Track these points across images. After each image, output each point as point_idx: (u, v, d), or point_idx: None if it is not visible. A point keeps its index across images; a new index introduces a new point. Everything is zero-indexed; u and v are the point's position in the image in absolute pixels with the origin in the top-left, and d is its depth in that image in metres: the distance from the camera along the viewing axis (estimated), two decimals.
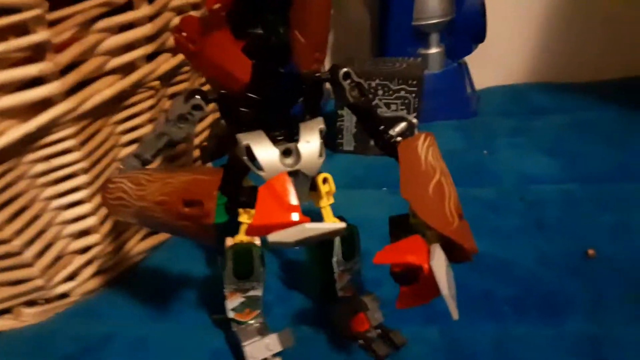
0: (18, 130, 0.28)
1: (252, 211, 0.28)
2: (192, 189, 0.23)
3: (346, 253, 0.32)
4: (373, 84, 0.55)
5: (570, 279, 0.36)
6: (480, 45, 0.68)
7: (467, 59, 0.69)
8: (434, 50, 0.66)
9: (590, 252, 0.38)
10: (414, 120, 0.32)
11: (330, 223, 0.27)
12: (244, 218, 0.31)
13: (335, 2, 0.76)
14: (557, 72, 0.75)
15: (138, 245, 0.40)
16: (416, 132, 0.32)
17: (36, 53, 0.27)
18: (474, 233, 0.41)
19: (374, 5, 0.70)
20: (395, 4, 0.63)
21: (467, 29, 0.66)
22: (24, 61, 0.27)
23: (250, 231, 0.24)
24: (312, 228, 0.24)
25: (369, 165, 0.52)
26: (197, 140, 0.42)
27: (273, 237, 0.23)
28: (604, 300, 0.34)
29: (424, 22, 0.64)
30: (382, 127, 0.31)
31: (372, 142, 0.32)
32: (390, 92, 0.55)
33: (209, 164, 0.38)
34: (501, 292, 0.35)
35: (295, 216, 0.23)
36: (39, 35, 0.26)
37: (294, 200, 0.24)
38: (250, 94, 0.29)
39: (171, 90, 0.38)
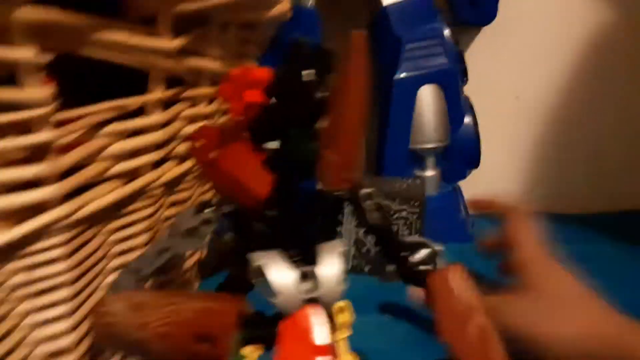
0: (4, 236, 0.24)
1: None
2: (206, 320, 0.20)
3: None
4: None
5: None
6: (474, 172, 0.70)
7: (461, 184, 0.70)
8: (430, 173, 0.66)
9: None
10: (438, 248, 0.30)
11: None
12: (247, 350, 0.27)
13: None
14: (546, 203, 0.76)
15: None
16: (439, 260, 0.30)
17: (36, 153, 0.24)
18: None
19: (373, 125, 0.71)
20: (393, 128, 0.65)
21: (462, 154, 0.67)
22: (21, 160, 0.24)
23: None
24: None
25: (363, 288, 0.49)
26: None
27: None
28: None
29: (420, 146, 0.65)
30: (403, 252, 0.29)
31: (389, 267, 0.30)
32: (392, 213, 0.54)
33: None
34: None
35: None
36: (43, 136, 0.23)
37: (321, 339, 0.21)
38: (267, 211, 0.26)
39: (171, 199, 0.36)
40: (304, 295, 0.25)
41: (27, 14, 0.20)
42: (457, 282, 0.25)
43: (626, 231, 0.65)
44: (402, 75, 0.63)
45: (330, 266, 0.26)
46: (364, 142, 0.26)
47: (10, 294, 0.27)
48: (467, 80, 0.68)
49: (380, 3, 0.65)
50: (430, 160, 0.66)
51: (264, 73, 0.24)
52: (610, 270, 0.54)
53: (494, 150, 0.74)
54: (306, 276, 0.26)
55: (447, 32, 0.64)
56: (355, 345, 0.39)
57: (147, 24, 0.27)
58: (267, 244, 0.26)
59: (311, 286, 0.25)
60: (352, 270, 0.54)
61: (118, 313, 0.22)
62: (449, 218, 0.66)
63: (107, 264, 0.32)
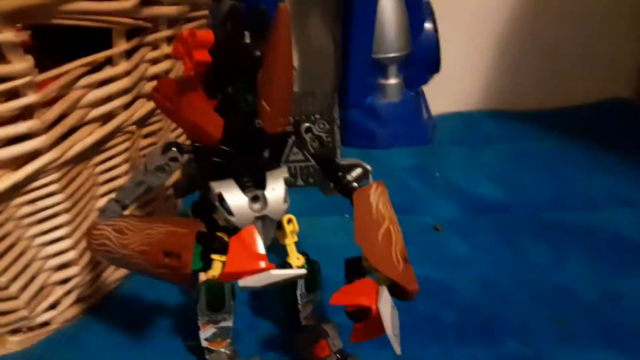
0: (8, 180, 0.30)
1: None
2: (171, 240, 0.27)
3: (309, 287, 0.36)
4: None
5: (504, 305, 0.40)
6: (436, 75, 0.74)
7: (424, 87, 0.74)
8: (392, 81, 0.70)
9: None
10: (369, 167, 0.36)
11: (294, 270, 0.30)
12: (216, 256, 0.34)
13: (304, 32, 0.80)
14: (505, 101, 0.82)
15: (113, 274, 0.42)
16: (370, 177, 0.36)
17: (26, 112, 0.29)
18: (424, 259, 0.45)
19: (337, 37, 0.74)
20: (355, 38, 0.68)
21: (423, 61, 0.71)
22: (13, 118, 0.29)
23: (223, 277, 0.27)
24: (278, 274, 0.27)
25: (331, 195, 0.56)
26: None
27: (243, 282, 0.27)
28: (532, 324, 0.38)
29: (382, 55, 0.68)
30: (339, 173, 0.35)
31: (330, 185, 0.36)
32: None
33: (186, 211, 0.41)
34: (447, 317, 0.39)
35: (262, 264, 0.27)
36: (29, 98, 0.28)
37: (261, 249, 0.27)
38: (222, 147, 0.32)
39: (145, 130, 0.41)
40: (256, 214, 0.32)
41: (6, 3, 0.24)
42: (375, 196, 0.31)
43: (568, 127, 0.71)
44: None
45: (276, 189, 0.32)
46: (293, 92, 0.30)
47: (20, 221, 0.33)
48: None
49: None
50: (393, 69, 0.70)
51: (208, 35, 0.28)
52: (546, 165, 0.62)
53: (454, 53, 0.78)
54: (257, 198, 0.32)
55: None
56: (318, 241, 0.47)
57: None
58: (223, 174, 0.32)
59: (261, 206, 0.32)
60: (315, 184, 0.60)
61: (106, 236, 0.29)
62: (411, 122, 0.72)
63: (95, 192, 0.38)
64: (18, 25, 0.26)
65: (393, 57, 0.69)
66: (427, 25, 0.70)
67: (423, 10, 0.69)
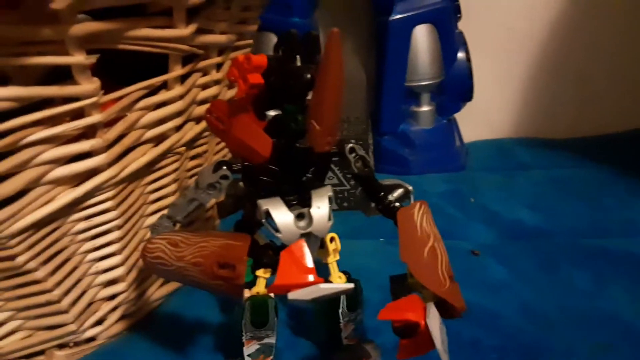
0: (68, 196, 0.32)
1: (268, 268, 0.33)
2: (225, 253, 0.28)
3: (350, 305, 0.36)
4: None
5: (547, 330, 0.40)
6: (469, 103, 0.75)
7: (457, 115, 0.75)
8: (425, 108, 0.72)
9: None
10: (410, 187, 0.37)
11: (342, 284, 0.31)
12: (260, 272, 0.35)
13: None
14: (537, 129, 0.82)
15: (157, 291, 0.43)
16: (412, 197, 0.37)
17: (89, 131, 0.31)
18: (463, 284, 0.45)
19: (370, 65, 0.76)
20: (389, 66, 0.69)
21: (455, 89, 0.72)
22: (76, 136, 0.31)
23: (273, 289, 0.28)
24: (326, 288, 0.28)
25: (366, 218, 0.56)
26: None
27: (292, 295, 0.28)
28: (576, 350, 0.38)
29: (415, 83, 0.70)
30: (382, 193, 0.36)
31: (372, 205, 0.37)
32: None
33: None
34: (488, 341, 0.39)
35: (311, 277, 0.28)
36: (94, 118, 0.30)
37: (310, 263, 0.28)
38: (270, 166, 0.33)
39: (193, 152, 0.43)
40: (301, 231, 0.33)
41: (77, 30, 0.26)
42: (419, 215, 0.32)
43: (604, 154, 0.71)
44: (397, 16, 0.67)
45: (321, 207, 0.33)
46: (341, 114, 0.31)
47: (75, 237, 0.35)
48: (460, 16, 0.71)
49: None
50: (426, 96, 0.71)
51: (262, 59, 0.30)
52: (583, 192, 0.61)
53: (487, 82, 0.79)
54: (302, 216, 0.33)
55: None
56: (355, 264, 0.47)
57: (165, 15, 0.33)
58: (270, 192, 0.33)
59: (306, 223, 0.33)
60: (348, 208, 0.61)
61: (162, 249, 0.30)
62: (444, 149, 0.72)
63: (145, 210, 0.39)
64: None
65: (426, 85, 0.70)
66: (460, 55, 0.71)
67: (456, 39, 0.71)
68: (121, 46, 0.30)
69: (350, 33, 0.81)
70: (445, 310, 0.29)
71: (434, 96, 0.72)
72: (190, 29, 0.34)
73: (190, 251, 0.29)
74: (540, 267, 0.47)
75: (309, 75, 0.30)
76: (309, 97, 0.31)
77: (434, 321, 0.26)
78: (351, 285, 0.29)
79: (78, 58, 0.27)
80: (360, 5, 0.77)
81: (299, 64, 0.31)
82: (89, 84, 0.29)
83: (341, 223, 0.54)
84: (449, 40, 0.70)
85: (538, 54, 0.80)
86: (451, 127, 0.74)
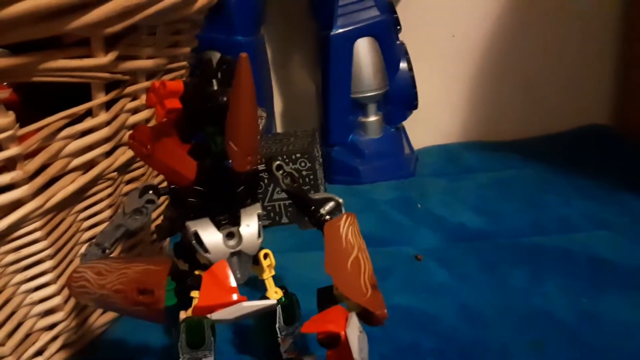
0: None
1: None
2: (145, 279, 0.28)
3: (287, 319, 0.37)
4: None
5: (484, 329, 0.41)
6: (417, 110, 0.76)
7: (405, 122, 0.77)
8: (372, 118, 0.73)
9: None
10: (340, 200, 0.38)
11: (264, 301, 0.31)
12: (195, 293, 0.35)
13: (285, 76, 0.83)
14: (484, 132, 0.84)
15: (99, 318, 0.43)
16: (343, 210, 0.38)
17: (9, 164, 0.31)
18: (405, 289, 0.46)
19: (318, 78, 0.77)
20: (334, 79, 0.71)
21: (400, 98, 0.74)
22: None
23: (197, 311, 0.29)
24: (249, 306, 0.28)
25: (317, 231, 0.57)
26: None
27: (215, 315, 0.28)
28: (511, 348, 0.39)
29: (361, 95, 0.71)
30: (313, 207, 0.37)
31: (305, 219, 0.37)
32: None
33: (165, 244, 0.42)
34: (426, 344, 0.40)
35: (234, 297, 0.28)
36: (11, 151, 0.30)
37: (232, 283, 0.29)
38: (196, 188, 0.34)
39: (128, 177, 0.43)
40: (231, 250, 0.33)
41: None
42: (344, 227, 0.32)
43: (548, 155, 0.73)
44: (338, 31, 0.69)
45: (250, 225, 0.34)
46: (259, 133, 0.32)
47: (5, 269, 0.35)
48: (400, 28, 0.73)
49: None
50: (372, 107, 0.73)
51: (178, 84, 0.31)
52: (526, 193, 0.63)
53: (433, 89, 0.81)
54: (232, 235, 0.34)
55: None
56: (304, 276, 0.48)
57: (83, 45, 0.33)
58: (199, 213, 0.34)
59: (236, 242, 0.33)
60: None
61: (86, 278, 0.30)
62: (393, 157, 0.74)
63: (79, 238, 0.39)
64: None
65: (371, 95, 0.71)
66: (402, 65, 0.73)
67: (397, 50, 0.73)
68: (37, 79, 0.30)
69: (297, 47, 0.83)
70: (369, 319, 0.29)
71: (381, 106, 0.73)
72: (110, 57, 0.34)
73: (111, 278, 0.29)
74: (480, 268, 0.49)
75: (225, 98, 0.31)
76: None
77: (352, 331, 0.27)
78: (273, 302, 0.30)
79: None
80: (306, 20, 0.78)
81: (215, 87, 0.31)
82: (2, 118, 0.29)
83: (291, 236, 0.55)
84: (391, 51, 0.72)
85: (482, 59, 0.82)
86: (399, 135, 0.76)
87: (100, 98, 0.35)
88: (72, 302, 0.39)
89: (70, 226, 0.37)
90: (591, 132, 0.80)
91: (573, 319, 0.41)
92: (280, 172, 0.36)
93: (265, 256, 0.36)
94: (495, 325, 0.41)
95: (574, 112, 0.83)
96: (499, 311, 0.43)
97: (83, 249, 0.40)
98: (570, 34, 0.80)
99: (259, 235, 0.34)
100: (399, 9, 0.75)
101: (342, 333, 0.27)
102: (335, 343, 0.28)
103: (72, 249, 0.38)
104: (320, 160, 0.67)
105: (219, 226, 0.34)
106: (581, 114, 0.82)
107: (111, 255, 0.34)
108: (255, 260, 0.36)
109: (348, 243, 0.32)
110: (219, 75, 0.31)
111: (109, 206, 0.40)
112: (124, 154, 0.40)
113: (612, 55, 0.80)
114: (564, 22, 0.79)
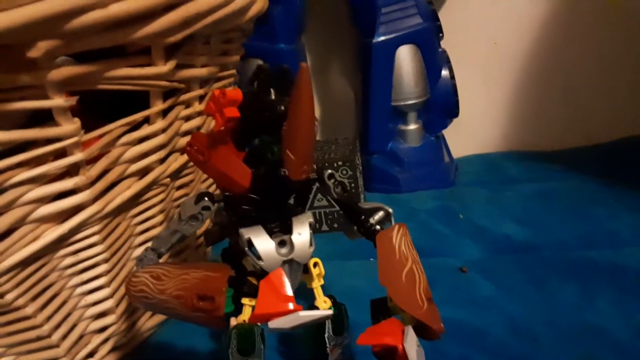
0: (53, 233, 0.32)
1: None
2: (205, 285, 0.28)
3: (336, 329, 0.37)
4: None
5: (533, 345, 0.40)
6: (457, 119, 0.76)
7: (445, 131, 0.76)
8: (412, 126, 0.72)
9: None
10: (390, 210, 0.38)
11: (321, 311, 0.31)
12: (246, 301, 0.35)
13: (325, 83, 0.84)
14: (525, 142, 0.83)
15: (148, 321, 0.44)
16: (393, 219, 0.38)
17: (72, 169, 0.32)
18: (451, 301, 0.46)
19: (357, 86, 0.77)
20: (375, 87, 0.70)
21: (441, 107, 0.73)
22: (59, 175, 0.32)
23: (253, 319, 0.29)
24: (306, 315, 0.28)
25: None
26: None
27: (272, 324, 0.28)
28: None
29: (402, 103, 0.71)
30: (362, 217, 0.37)
31: (354, 228, 0.37)
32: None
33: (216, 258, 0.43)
34: (475, 358, 0.39)
35: (290, 306, 0.28)
36: (75, 157, 0.31)
37: (289, 291, 0.29)
38: (250, 195, 0.34)
39: (179, 182, 0.44)
40: (283, 258, 0.33)
41: (55, 74, 0.27)
42: (397, 238, 0.32)
43: (591, 166, 0.72)
44: (380, 38, 0.68)
45: (302, 233, 0.34)
46: (315, 142, 0.32)
47: (63, 272, 0.36)
48: (442, 35, 0.73)
49: None
50: (412, 115, 0.72)
51: (238, 93, 0.31)
52: (570, 205, 0.62)
53: (474, 97, 0.80)
54: (284, 243, 0.34)
55: None
56: (344, 285, 0.48)
57: (144, 53, 0.34)
58: (252, 220, 0.34)
59: (288, 250, 0.34)
60: (339, 229, 0.62)
61: (145, 282, 0.30)
62: (433, 166, 0.73)
63: (133, 242, 0.40)
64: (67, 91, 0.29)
65: (412, 103, 0.71)
66: (444, 73, 0.72)
67: (439, 58, 0.72)
68: (101, 86, 0.31)
69: (337, 55, 0.83)
70: (424, 332, 0.29)
71: (421, 114, 0.73)
72: (169, 65, 0.35)
73: (171, 284, 0.29)
74: (528, 281, 0.48)
75: (282, 108, 0.31)
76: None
77: (410, 344, 0.27)
78: (330, 312, 0.30)
79: (57, 101, 0.28)
80: (346, 27, 0.78)
81: (272, 96, 0.32)
82: (69, 125, 0.30)
83: (331, 244, 0.55)
84: (433, 59, 0.71)
85: (524, 68, 0.81)
86: (439, 143, 0.75)
87: (158, 105, 0.36)
88: (123, 305, 0.40)
89: (124, 230, 0.38)
90: (633, 144, 0.78)
91: (626, 336, 0.40)
92: (332, 180, 0.36)
93: (315, 265, 0.37)
94: (544, 340, 0.41)
95: (616, 122, 0.81)
96: (548, 326, 0.42)
97: (135, 253, 0.41)
98: (612, 44, 0.78)
99: (311, 244, 0.34)
100: (441, 15, 0.75)
101: (400, 347, 0.27)
102: (392, 356, 0.28)
103: (125, 253, 0.39)
104: (361, 168, 0.67)
105: (271, 234, 0.34)
106: (624, 125, 0.80)
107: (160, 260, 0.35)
108: (305, 268, 0.36)
109: (402, 254, 0.32)
110: (277, 84, 0.32)
111: (161, 211, 0.41)
112: (177, 161, 0.41)
113: None
114: (606, 31, 0.77)
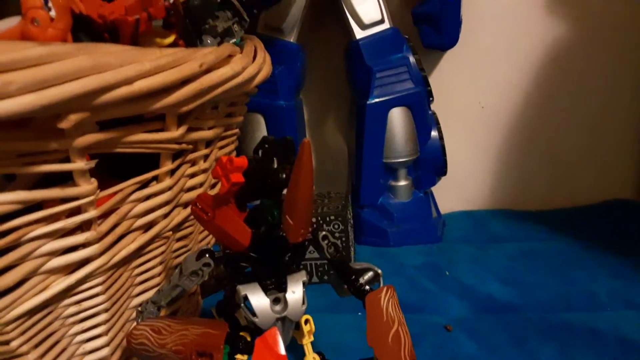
0: (61, 284, 0.34)
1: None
2: (204, 341, 0.30)
3: None
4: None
5: None
6: (445, 177, 0.79)
7: (434, 187, 0.79)
8: (402, 182, 0.76)
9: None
10: (379, 271, 0.40)
11: None
12: (239, 357, 0.37)
13: (320, 136, 0.87)
14: (511, 201, 0.86)
15: None
16: (381, 280, 0.40)
17: (84, 225, 0.34)
18: (435, 359, 0.47)
19: (351, 141, 0.80)
20: (368, 144, 0.74)
21: (430, 165, 0.76)
22: (72, 229, 0.34)
23: None
24: None
25: None
26: None
27: None
28: None
29: (393, 160, 0.74)
30: (353, 276, 0.39)
31: (344, 287, 0.40)
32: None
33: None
34: None
35: None
36: (90, 214, 0.33)
37: (282, 351, 0.31)
38: (249, 253, 0.36)
39: (179, 234, 0.46)
40: (277, 315, 0.35)
41: (80, 141, 0.30)
42: (385, 300, 0.35)
43: (574, 228, 0.75)
44: (374, 100, 0.72)
45: (296, 292, 0.36)
46: (313, 209, 0.35)
47: (65, 320, 0.37)
48: (432, 99, 0.77)
49: (353, 37, 0.73)
50: (402, 172, 0.76)
51: (244, 161, 0.34)
52: (553, 266, 0.64)
53: (462, 156, 0.84)
54: (278, 300, 0.36)
55: (412, 59, 0.73)
56: (333, 339, 0.49)
57: (158, 119, 0.37)
58: (249, 276, 0.36)
59: (282, 307, 0.36)
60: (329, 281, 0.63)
61: (145, 336, 0.32)
62: (421, 221, 0.76)
63: (132, 291, 0.42)
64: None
65: (402, 161, 0.74)
66: (433, 133, 0.76)
67: (429, 120, 0.76)
68: (118, 150, 0.34)
69: (332, 112, 0.87)
70: None
71: (411, 171, 0.76)
72: (181, 130, 0.38)
73: (172, 339, 0.31)
74: (509, 341, 0.50)
75: (284, 175, 0.34)
76: (284, 192, 0.35)
77: None
78: None
79: (79, 165, 0.31)
80: (341, 87, 0.82)
81: (275, 165, 0.35)
82: (87, 185, 0.32)
83: (322, 296, 0.57)
84: (423, 120, 0.75)
85: (510, 130, 0.85)
86: (427, 199, 0.78)
87: (168, 165, 0.39)
88: (118, 353, 0.41)
89: (126, 281, 0.40)
90: (618, 207, 0.81)
91: None
92: (326, 242, 0.39)
93: (306, 322, 0.38)
94: None
95: (599, 185, 0.85)
96: None
97: (134, 303, 0.42)
98: (596, 109, 0.82)
99: (303, 302, 0.36)
100: (431, 79, 0.80)
101: None
102: None
103: (124, 302, 0.41)
104: (352, 222, 0.69)
105: (266, 290, 0.36)
106: (606, 188, 0.84)
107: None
108: (296, 325, 0.38)
109: (389, 316, 0.34)
110: (279, 153, 0.35)
111: (161, 262, 0.43)
112: (179, 214, 0.43)
113: (636, 131, 0.83)
114: (590, 96, 0.82)
